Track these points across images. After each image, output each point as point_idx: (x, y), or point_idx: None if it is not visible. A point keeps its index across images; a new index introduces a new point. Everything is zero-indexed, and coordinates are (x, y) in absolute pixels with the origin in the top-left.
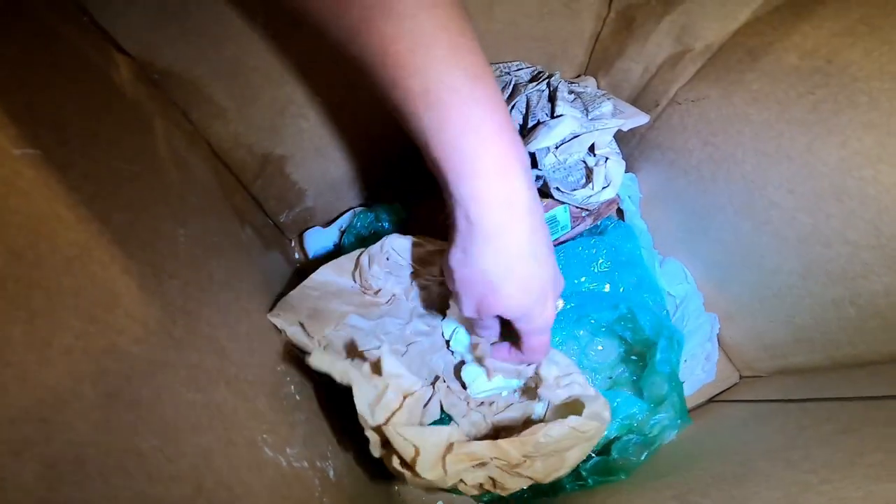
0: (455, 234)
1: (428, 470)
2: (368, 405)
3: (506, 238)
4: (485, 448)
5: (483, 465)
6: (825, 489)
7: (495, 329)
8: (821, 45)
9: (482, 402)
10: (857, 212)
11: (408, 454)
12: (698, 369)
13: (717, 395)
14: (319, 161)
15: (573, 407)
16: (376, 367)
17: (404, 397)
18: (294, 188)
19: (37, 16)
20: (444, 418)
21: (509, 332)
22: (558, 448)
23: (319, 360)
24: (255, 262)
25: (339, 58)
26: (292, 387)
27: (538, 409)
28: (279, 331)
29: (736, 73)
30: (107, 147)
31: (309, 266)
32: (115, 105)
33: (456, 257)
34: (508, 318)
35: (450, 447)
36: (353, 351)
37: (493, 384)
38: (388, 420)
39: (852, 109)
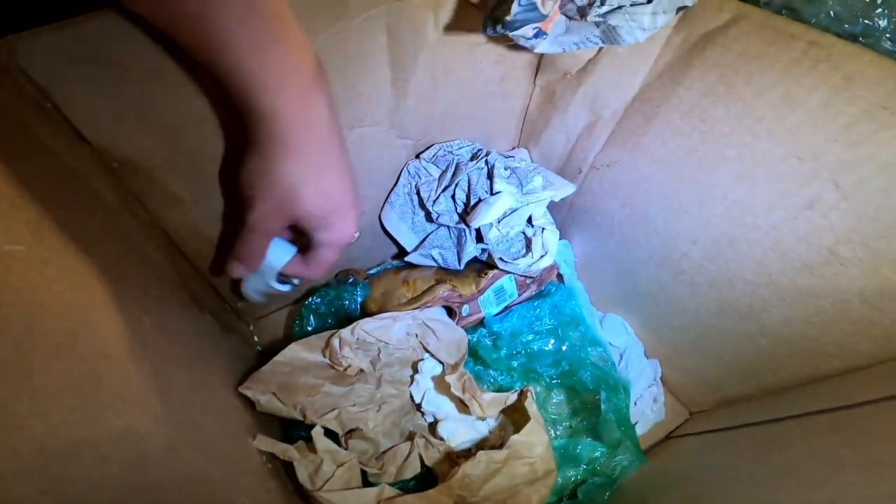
0: (253, 145)
1: None
2: (308, 476)
3: (306, 150)
4: (411, 500)
5: None
6: (766, 500)
7: (284, 243)
8: (694, 106)
9: (461, 455)
10: (748, 255)
11: None
12: (648, 410)
13: (672, 432)
14: None
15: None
16: (312, 447)
17: (337, 467)
18: None
19: (9, 107)
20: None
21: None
22: (498, 490)
23: (261, 442)
24: (217, 346)
25: None
26: (263, 457)
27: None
28: (247, 408)
29: (636, 137)
30: (76, 241)
31: (269, 348)
32: (80, 196)
33: (253, 166)
34: (305, 225)
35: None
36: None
37: (470, 437)
38: (320, 487)
39: (726, 163)
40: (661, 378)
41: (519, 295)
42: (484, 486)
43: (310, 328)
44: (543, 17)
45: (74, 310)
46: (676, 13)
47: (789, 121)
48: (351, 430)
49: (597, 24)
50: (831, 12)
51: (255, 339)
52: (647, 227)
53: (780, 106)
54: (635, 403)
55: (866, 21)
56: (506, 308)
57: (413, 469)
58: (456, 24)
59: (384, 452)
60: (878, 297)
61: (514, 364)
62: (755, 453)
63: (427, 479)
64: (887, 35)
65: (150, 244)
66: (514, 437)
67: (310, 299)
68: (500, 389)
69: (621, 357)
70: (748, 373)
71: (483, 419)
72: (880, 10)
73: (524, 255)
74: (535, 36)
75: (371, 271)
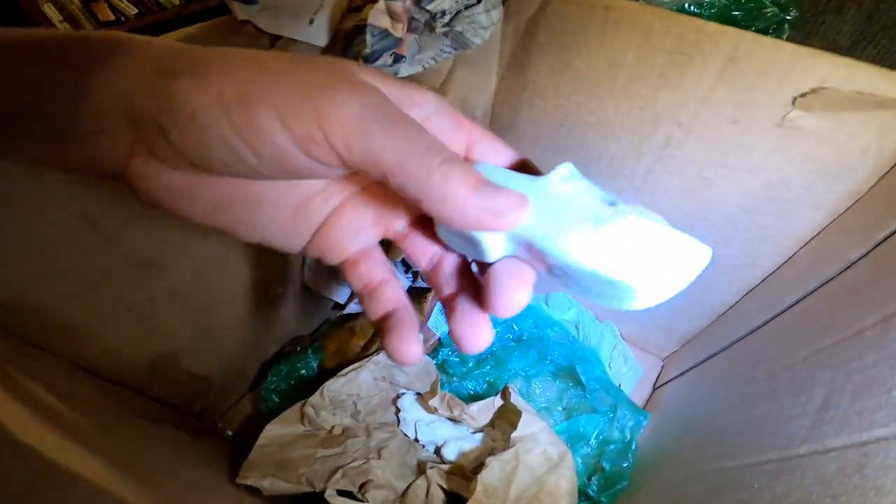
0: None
1: None
2: None
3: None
4: None
5: None
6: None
7: None
8: (546, 86)
9: (476, 471)
10: (638, 201)
11: None
12: (624, 369)
13: (656, 383)
14: (209, 344)
15: None
16: None
17: None
18: (196, 378)
19: None
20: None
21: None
22: (525, 487)
23: None
24: (191, 451)
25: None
26: None
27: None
28: (253, 496)
29: (511, 127)
30: None
31: (240, 434)
32: None
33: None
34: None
35: None
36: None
37: (475, 449)
38: None
39: (591, 128)
40: (621, 336)
41: None
42: (510, 489)
43: (276, 407)
44: (398, 42)
45: None
46: (503, 5)
47: (619, 80)
48: (363, 484)
49: (445, 34)
50: None
51: (228, 432)
52: None
53: (608, 70)
54: (610, 367)
55: None
56: None
57: (439, 499)
58: None
59: (404, 494)
60: (752, 203)
61: (487, 369)
62: (733, 373)
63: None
64: None
65: (77, 388)
66: (515, 434)
67: (266, 379)
68: (482, 398)
69: (577, 329)
70: (690, 305)
71: (480, 430)
72: None
73: None
74: (395, 62)
75: (316, 332)
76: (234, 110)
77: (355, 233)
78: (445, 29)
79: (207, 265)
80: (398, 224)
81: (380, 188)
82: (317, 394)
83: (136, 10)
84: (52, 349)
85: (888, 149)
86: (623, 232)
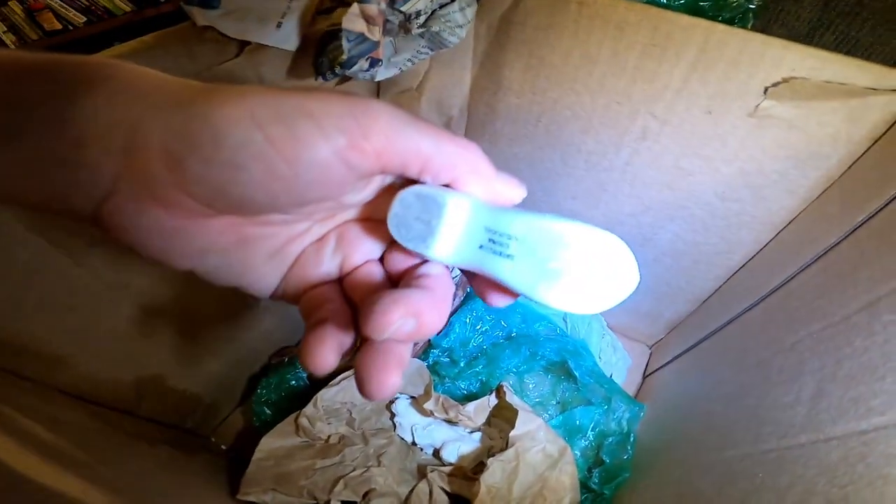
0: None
1: None
2: None
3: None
4: None
5: None
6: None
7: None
8: (522, 83)
9: (476, 471)
10: (618, 193)
11: None
12: (613, 359)
13: (646, 371)
14: (194, 361)
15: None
16: None
17: None
18: (185, 395)
19: None
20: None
21: None
22: (528, 486)
23: None
24: (189, 470)
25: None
26: None
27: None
28: None
29: (490, 125)
30: None
31: (234, 448)
32: None
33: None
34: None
35: None
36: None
37: (474, 449)
38: None
39: (567, 123)
40: (608, 326)
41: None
42: (513, 489)
43: (269, 420)
44: (376, 46)
45: None
46: (478, 2)
47: (595, 74)
48: (366, 493)
49: (421, 35)
50: None
51: (223, 447)
52: (529, 199)
53: (583, 65)
54: (600, 358)
55: None
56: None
57: (443, 502)
58: (286, 76)
59: (407, 499)
60: (729, 191)
61: (479, 368)
62: (723, 361)
63: None
64: None
65: (65, 414)
66: (513, 433)
67: (256, 392)
68: (476, 397)
69: (565, 321)
70: (673, 292)
71: (477, 430)
72: None
73: None
74: (371, 66)
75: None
76: (271, 125)
77: (317, 265)
78: (421, 30)
79: (184, 281)
80: (356, 258)
81: (355, 223)
82: (310, 404)
83: (85, 18)
84: (33, 376)
85: (858, 135)
86: (576, 224)
